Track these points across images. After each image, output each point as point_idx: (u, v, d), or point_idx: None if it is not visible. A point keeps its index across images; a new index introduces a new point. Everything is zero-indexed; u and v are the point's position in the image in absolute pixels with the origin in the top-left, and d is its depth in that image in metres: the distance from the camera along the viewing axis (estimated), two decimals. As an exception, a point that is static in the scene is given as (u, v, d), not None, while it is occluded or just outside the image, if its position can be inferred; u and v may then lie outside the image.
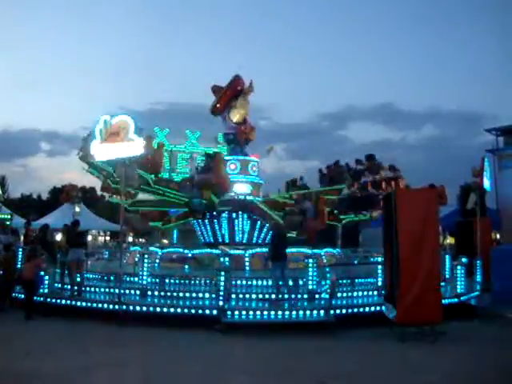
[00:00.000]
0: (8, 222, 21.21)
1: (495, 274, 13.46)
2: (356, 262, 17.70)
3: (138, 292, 11.93)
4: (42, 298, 11.80)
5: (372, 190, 16.44)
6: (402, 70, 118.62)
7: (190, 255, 15.16)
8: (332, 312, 10.24)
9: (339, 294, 11.41)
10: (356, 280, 13.22)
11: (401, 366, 7.82)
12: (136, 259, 14.87)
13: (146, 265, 12.16)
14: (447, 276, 14.03)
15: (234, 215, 16.15)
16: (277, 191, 20.73)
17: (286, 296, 11.14)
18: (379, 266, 12.34)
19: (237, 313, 10.20)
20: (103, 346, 8.89)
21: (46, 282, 12.09)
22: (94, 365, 7.65)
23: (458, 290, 12.37)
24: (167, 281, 12.84)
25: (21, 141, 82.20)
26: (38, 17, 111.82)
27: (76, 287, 12.13)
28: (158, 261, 15.24)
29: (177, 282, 12.85)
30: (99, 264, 17.51)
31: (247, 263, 14.51)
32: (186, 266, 14.81)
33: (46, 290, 12.02)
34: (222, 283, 10.48)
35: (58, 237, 17.39)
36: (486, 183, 16.15)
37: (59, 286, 12.86)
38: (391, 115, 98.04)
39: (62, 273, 13.12)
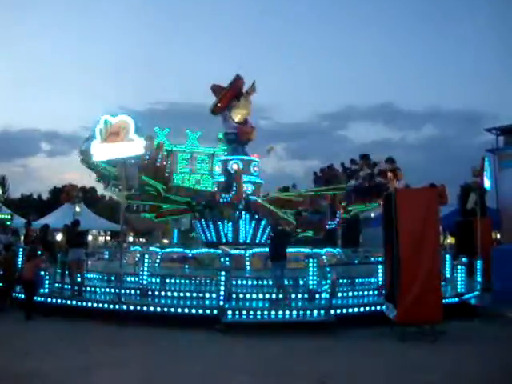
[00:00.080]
0: (8, 222, 21.27)
1: (495, 273, 13.46)
2: (356, 261, 17.71)
3: (138, 292, 11.91)
4: (42, 298, 11.80)
5: (380, 179, 16.47)
6: (402, 68, 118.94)
7: (190, 255, 15.17)
8: (332, 312, 10.23)
9: (340, 294, 11.40)
10: (356, 280, 13.22)
11: (401, 365, 7.81)
12: (136, 259, 14.89)
13: (146, 265, 12.15)
14: (447, 276, 14.02)
15: (237, 215, 16.16)
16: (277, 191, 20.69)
17: (281, 296, 11.10)
18: (379, 266, 12.33)
19: (237, 313, 10.20)
20: (103, 345, 8.89)
21: (47, 281, 12.10)
22: (94, 365, 7.65)
23: (459, 290, 12.34)
24: (167, 281, 12.84)
25: (21, 141, 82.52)
26: (38, 14, 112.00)
27: (76, 287, 12.12)
28: (158, 261, 15.25)
29: (177, 281, 12.84)
30: (99, 264, 17.54)
31: (247, 263, 14.52)
32: (187, 266, 14.83)
33: (47, 290, 12.03)
34: (223, 283, 10.49)
35: (59, 237, 17.41)
36: (486, 183, 16.16)
37: (59, 285, 12.85)
38: (391, 115, 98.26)
39: (62, 273, 13.13)
